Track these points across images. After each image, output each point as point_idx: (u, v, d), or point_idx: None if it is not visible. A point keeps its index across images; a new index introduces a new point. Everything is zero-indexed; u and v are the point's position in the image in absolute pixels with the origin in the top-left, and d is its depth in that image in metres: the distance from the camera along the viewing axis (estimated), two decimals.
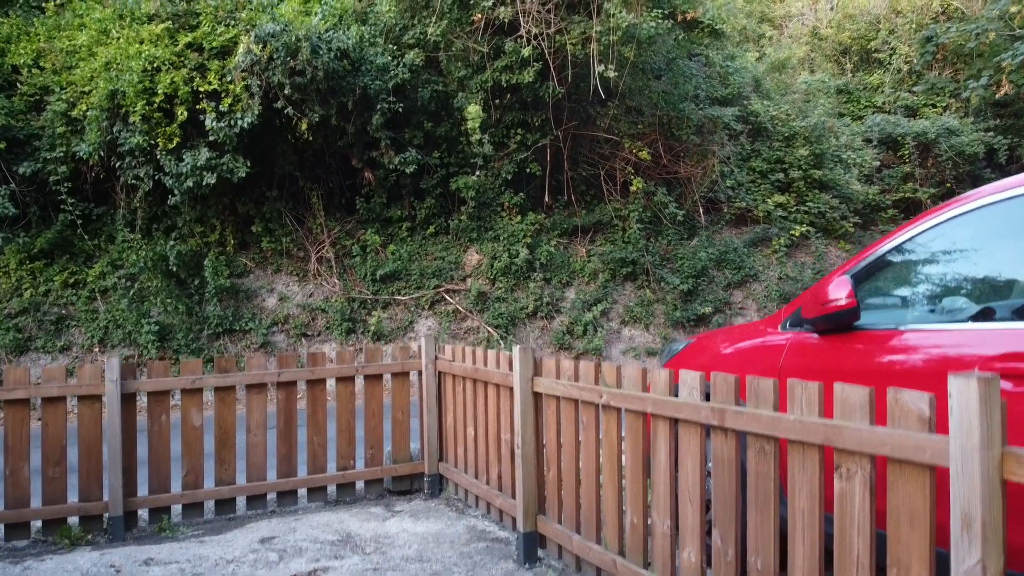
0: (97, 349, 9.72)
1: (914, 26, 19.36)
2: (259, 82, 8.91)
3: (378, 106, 9.71)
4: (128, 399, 4.77)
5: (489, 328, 11.46)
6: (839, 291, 2.98)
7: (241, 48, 8.81)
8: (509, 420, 4.36)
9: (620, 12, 9.37)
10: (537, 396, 4.01)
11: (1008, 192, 2.64)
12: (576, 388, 3.58)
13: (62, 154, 9.22)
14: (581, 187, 13.06)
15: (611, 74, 9.75)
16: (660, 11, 9.73)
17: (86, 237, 9.87)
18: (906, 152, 17.01)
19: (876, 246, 3.17)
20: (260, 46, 8.50)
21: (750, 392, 2.55)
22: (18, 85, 9.43)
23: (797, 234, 14.83)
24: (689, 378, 2.88)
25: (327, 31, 8.98)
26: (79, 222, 9.75)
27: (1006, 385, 2.42)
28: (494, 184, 11.86)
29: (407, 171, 10.42)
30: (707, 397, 2.81)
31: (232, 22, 9.12)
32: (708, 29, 11.25)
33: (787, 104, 16.81)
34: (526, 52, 9.77)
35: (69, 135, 9.15)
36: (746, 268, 13.90)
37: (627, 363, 12.31)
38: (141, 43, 9.09)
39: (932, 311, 2.87)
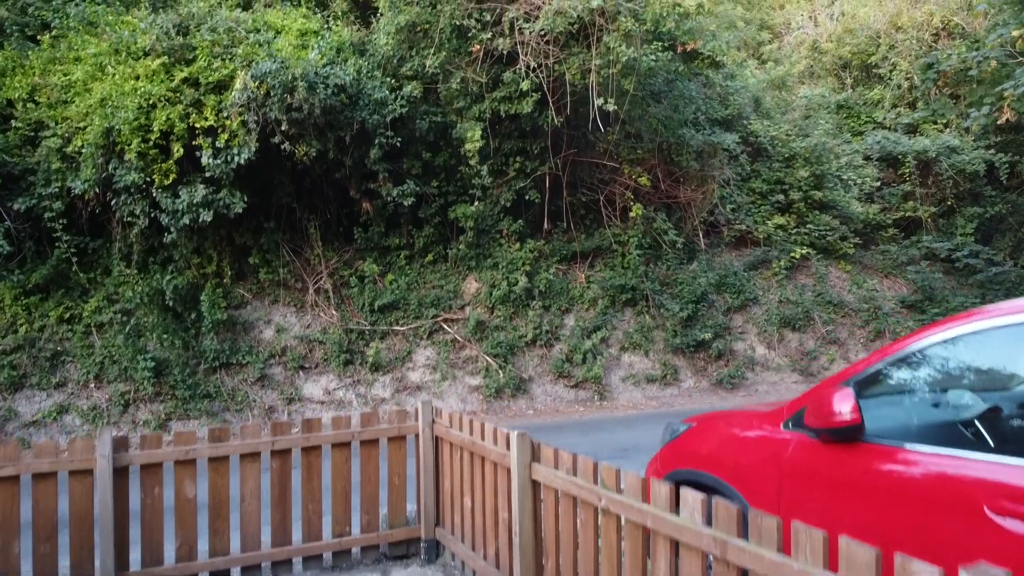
0: (93, 385, 9.65)
1: (914, 42, 19.30)
2: (256, 117, 8.84)
3: (376, 140, 9.64)
4: (120, 472, 4.70)
5: (487, 357, 11.39)
6: (843, 405, 2.91)
7: (238, 84, 8.73)
8: (507, 500, 4.28)
9: (620, 46, 9.30)
10: (535, 484, 3.94)
11: None
12: (575, 485, 3.51)
13: (57, 189, 9.15)
14: (580, 211, 13.00)
15: (610, 107, 9.68)
16: (660, 43, 9.65)
17: (81, 273, 9.78)
18: (907, 170, 16.94)
19: (883, 354, 3.10)
20: (256, 83, 8.42)
21: (752, 527, 2.49)
22: (13, 119, 9.36)
23: (797, 256, 14.76)
24: (691, 498, 2.81)
25: (324, 66, 8.91)
26: (74, 257, 9.67)
27: (1016, 525, 2.36)
28: (493, 211, 11.79)
29: (405, 203, 10.35)
30: (709, 517, 2.75)
31: (228, 56, 9.04)
32: (708, 60, 11.18)
33: (787, 124, 16.74)
34: (525, 85, 9.70)
35: (64, 170, 9.08)
36: (746, 292, 13.83)
37: (627, 390, 12.25)
38: (137, 79, 9.02)
39: (938, 431, 2.80)
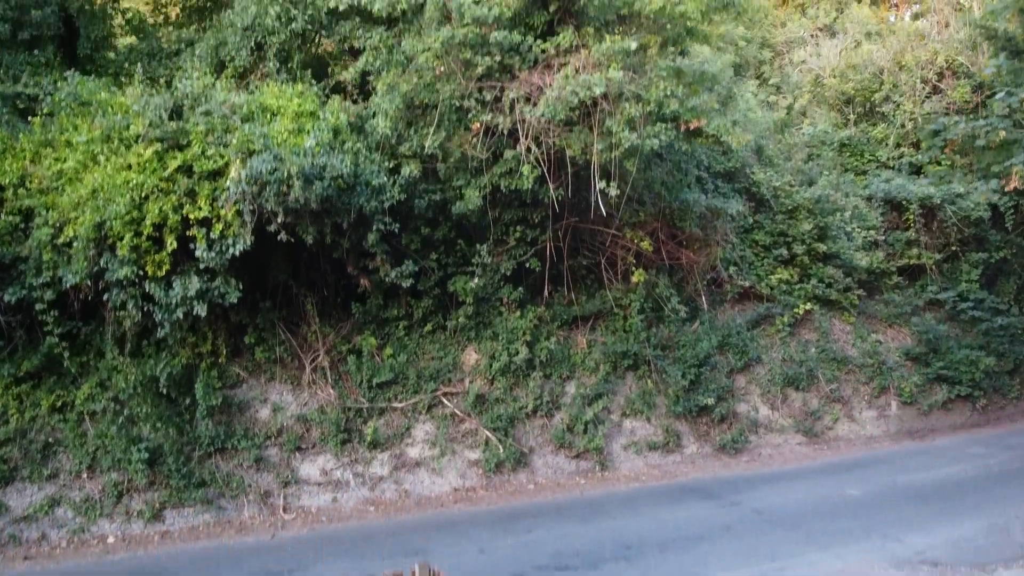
0: (85, 475, 9.47)
1: (918, 81, 19.10)
2: (251, 207, 8.64)
3: (374, 227, 9.45)
4: None
5: (487, 431, 11.22)
6: None
7: (232, 174, 8.53)
8: None
9: (623, 131, 9.11)
10: None
11: None
12: None
13: (48, 279, 8.96)
14: (581, 272, 12.83)
15: (613, 192, 9.49)
16: (664, 124, 9.46)
17: (73, 358, 9.59)
18: (911, 216, 16.76)
19: None
20: (251, 180, 8.23)
21: None
22: (2, 206, 9.16)
23: (800, 312, 14.60)
24: None
25: (321, 155, 8.70)
26: (65, 342, 9.48)
27: None
28: (493, 280, 11.61)
29: (404, 284, 10.17)
30: None
31: (223, 143, 8.84)
32: (712, 139, 11.00)
33: (789, 174, 16.54)
34: (526, 170, 9.51)
35: (56, 261, 8.88)
36: (749, 352, 13.66)
37: (628, 459, 12.09)
38: (129, 168, 8.81)
39: None
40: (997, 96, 11.62)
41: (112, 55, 12.71)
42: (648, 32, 10.02)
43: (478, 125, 9.93)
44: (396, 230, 9.73)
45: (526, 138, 9.52)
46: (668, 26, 9.93)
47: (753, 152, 16.26)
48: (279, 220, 8.67)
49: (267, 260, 9.96)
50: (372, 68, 9.64)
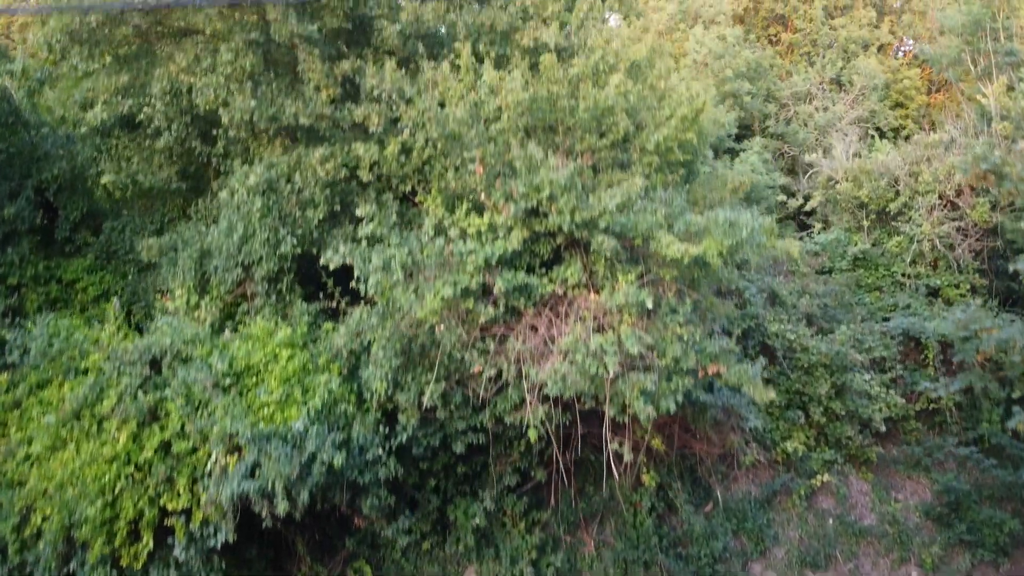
0: None
1: (937, 197, 18.34)
2: (234, 501, 7.95)
3: (368, 500, 8.76)
4: None
5: None
6: None
7: (213, 474, 7.84)
8: None
9: (637, 400, 8.40)
10: None
11: None
12: None
13: (15, 565, 8.26)
14: (589, 469, 12.14)
15: (627, 455, 8.81)
16: (680, 378, 8.76)
17: None
18: (930, 354, 16.08)
19: None
20: (231, 496, 7.54)
21: None
22: None
23: (819, 484, 13.94)
24: None
25: (309, 440, 8.00)
26: None
27: None
28: (495, 491, 10.92)
29: (400, 542, 9.49)
30: None
31: (201, 429, 8.13)
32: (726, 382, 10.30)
33: (803, 323, 15.79)
34: (532, 434, 8.82)
35: (22, 552, 8.18)
36: (767, 538, 13.01)
37: None
38: (103, 446, 8.11)
39: None
40: None
41: (91, 237, 11.99)
42: (661, 266, 9.27)
43: (479, 367, 9.22)
44: (392, 503, 9.04)
45: (532, 398, 8.82)
46: (685, 266, 9.19)
47: (767, 297, 15.55)
48: (263, 516, 7.98)
49: (252, 518, 9.26)
50: (365, 325, 8.88)
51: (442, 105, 9.52)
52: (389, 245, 8.73)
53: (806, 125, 34.92)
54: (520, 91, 9.18)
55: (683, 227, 9.03)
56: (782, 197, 22.12)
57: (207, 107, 10.17)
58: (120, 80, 10.17)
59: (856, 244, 19.48)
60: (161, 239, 10.58)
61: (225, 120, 10.07)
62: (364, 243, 8.85)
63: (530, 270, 9.60)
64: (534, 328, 9.02)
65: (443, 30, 10.47)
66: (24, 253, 11.17)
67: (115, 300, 10.12)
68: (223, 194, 10.27)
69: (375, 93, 9.70)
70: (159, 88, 10.18)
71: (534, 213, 9.08)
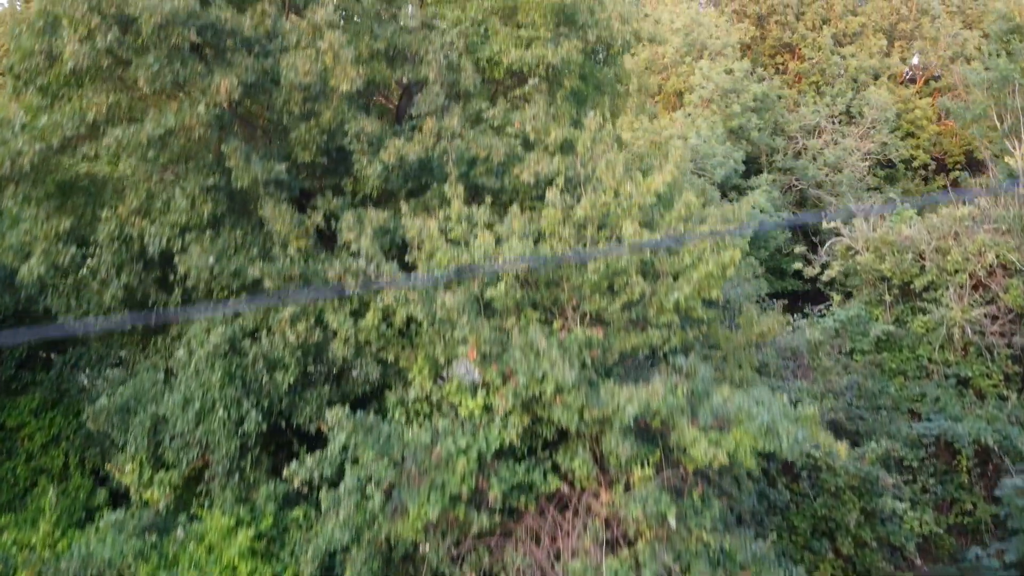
0: None
1: (967, 276, 17.05)
2: None
3: None
4: None
5: None
6: None
7: None
8: None
9: None
10: None
11: None
12: None
13: None
14: None
15: None
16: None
17: None
18: (964, 461, 14.85)
19: None
20: None
21: None
22: None
23: None
24: None
25: None
26: None
27: None
28: None
29: None
30: None
31: None
32: None
33: (827, 407, 14.58)
34: None
35: None
36: None
37: None
38: None
39: None
40: None
41: (40, 373, 10.73)
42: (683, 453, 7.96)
43: None
44: None
45: None
46: None
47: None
48: None
49: None
50: (337, 545, 7.56)
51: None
52: (362, 460, 7.42)
53: (815, 160, 33.69)
54: (519, 248, 7.88)
55: (709, 416, 7.74)
56: (798, 265, 20.84)
57: (160, 253, 8.88)
58: (61, 224, 8.85)
59: (878, 320, 18.22)
60: (111, 400, 9.27)
61: (182, 270, 8.78)
62: (336, 447, 7.55)
63: (531, 452, 8.34)
64: (536, 537, 7.74)
65: (433, 159, 9.15)
66: None
67: (51, 492, 8.81)
68: (180, 352, 8.98)
69: (352, 248, 8.42)
70: (106, 234, 8.86)
71: (536, 400, 7.80)
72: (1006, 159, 19.75)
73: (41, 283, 10.32)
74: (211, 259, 8.44)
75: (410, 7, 10.30)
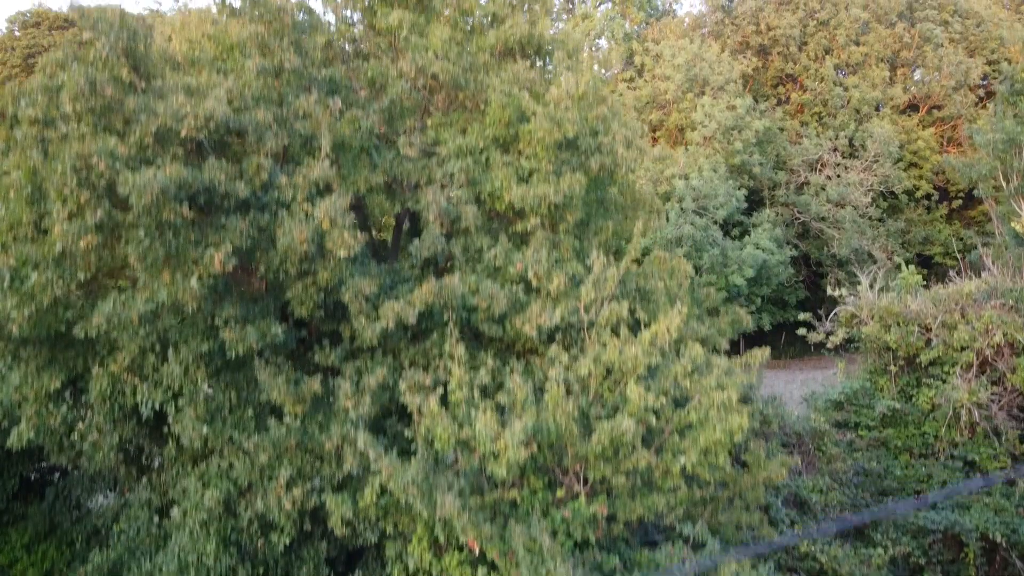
0: None
1: (974, 355, 16.84)
2: None
3: None
4: None
5: None
6: None
7: None
8: None
9: None
10: None
11: None
12: None
13: None
14: None
15: None
16: None
17: None
18: (971, 553, 14.66)
19: None
20: None
21: None
22: None
23: None
24: None
25: None
26: None
27: None
28: None
29: None
30: None
31: None
32: None
33: (834, 500, 14.41)
34: None
35: None
36: None
37: None
38: None
39: None
40: None
41: (33, 504, 10.49)
42: None
43: None
44: None
45: None
46: None
47: (794, 504, 14.09)
48: None
49: None
50: None
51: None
52: None
53: (818, 195, 33.41)
54: (520, 434, 7.65)
55: None
56: (802, 331, 20.61)
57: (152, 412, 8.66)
58: (52, 383, 8.61)
59: (883, 392, 18.05)
60: (104, 556, 9.06)
61: (176, 429, 8.57)
62: None
63: None
64: None
65: (434, 311, 8.92)
66: None
67: None
68: (175, 512, 8.77)
69: (351, 415, 8.20)
70: (98, 392, 8.63)
71: None
72: (1012, 223, 19.53)
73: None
74: (204, 428, 8.22)
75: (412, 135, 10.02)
